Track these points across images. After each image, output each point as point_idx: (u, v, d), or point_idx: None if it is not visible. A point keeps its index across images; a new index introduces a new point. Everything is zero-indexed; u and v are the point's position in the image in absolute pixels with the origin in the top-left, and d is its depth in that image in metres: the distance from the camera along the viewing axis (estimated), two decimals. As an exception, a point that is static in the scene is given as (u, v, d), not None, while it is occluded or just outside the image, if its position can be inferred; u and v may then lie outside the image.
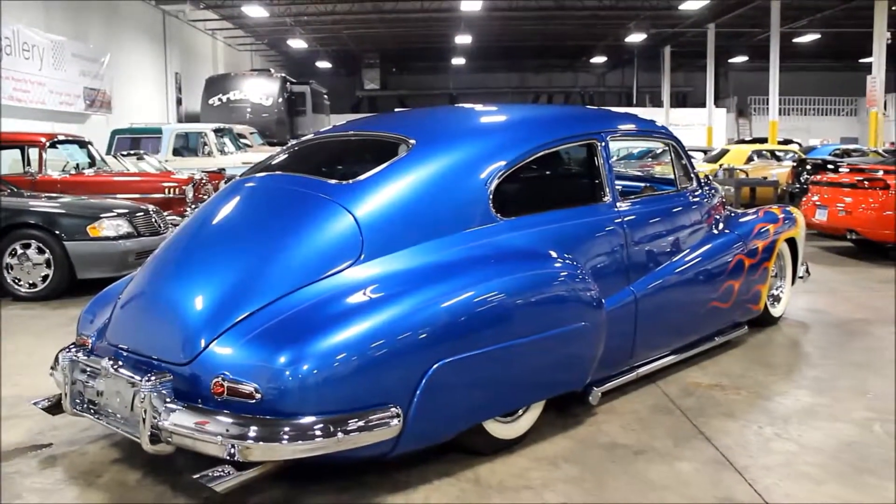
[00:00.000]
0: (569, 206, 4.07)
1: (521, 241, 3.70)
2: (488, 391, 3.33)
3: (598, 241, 4.07)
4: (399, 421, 2.98)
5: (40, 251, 7.17)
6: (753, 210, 5.91)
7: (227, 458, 2.79)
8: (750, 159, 16.90)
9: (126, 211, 7.68)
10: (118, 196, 9.34)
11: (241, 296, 3.19)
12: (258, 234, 3.49)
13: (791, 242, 6.00)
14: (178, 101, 26.02)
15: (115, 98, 20.76)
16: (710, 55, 30.06)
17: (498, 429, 3.47)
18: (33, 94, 16.69)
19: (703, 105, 33.53)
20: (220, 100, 23.72)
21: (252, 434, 2.78)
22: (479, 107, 4.63)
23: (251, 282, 3.25)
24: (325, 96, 28.57)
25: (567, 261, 3.71)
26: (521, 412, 3.58)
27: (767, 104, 27.88)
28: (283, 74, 25.27)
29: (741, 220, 5.51)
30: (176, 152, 15.69)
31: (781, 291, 6.04)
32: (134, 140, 16.26)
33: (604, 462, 3.45)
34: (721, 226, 5.21)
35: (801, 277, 6.28)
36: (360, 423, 2.89)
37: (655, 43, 32.84)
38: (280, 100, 23.96)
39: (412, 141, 3.76)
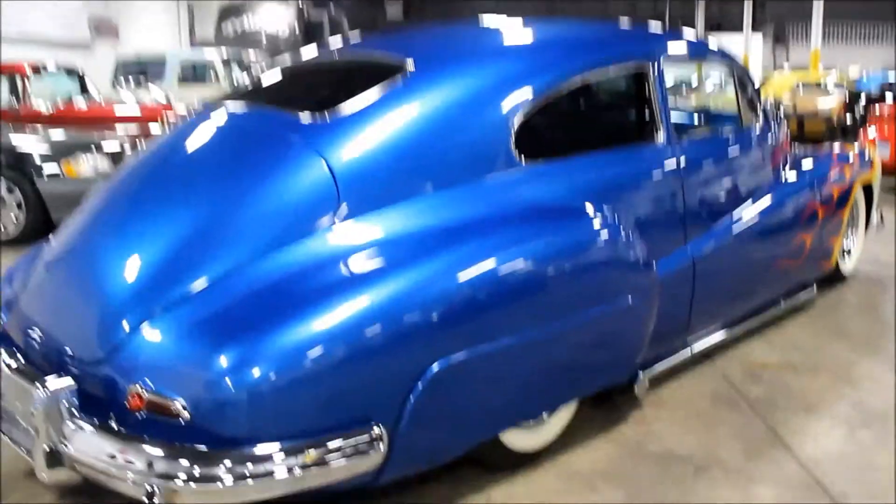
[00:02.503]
0: (613, 148, 3.20)
1: (550, 193, 2.87)
2: (506, 394, 2.53)
3: (649, 191, 3.22)
4: (383, 445, 2.20)
5: (10, 191, 6.42)
6: (824, 149, 5.00)
7: (146, 501, 2.03)
8: (795, 90, 15.72)
9: (107, 147, 6.87)
10: (114, 129, 8.55)
11: (179, 265, 2.38)
12: (210, 184, 2.66)
13: (865, 187, 5.12)
14: (191, 31, 25.00)
15: (124, 27, 19.82)
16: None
17: (517, 439, 2.69)
18: (33, 22, 15.80)
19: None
20: (233, 29, 22.69)
21: (179, 472, 2.01)
22: (501, 21, 3.72)
23: (194, 247, 2.43)
24: (346, 26, 27.37)
25: (610, 218, 2.87)
26: (546, 415, 2.80)
27: (805, 30, 26.31)
28: (300, 2, 24.11)
29: (812, 161, 4.61)
30: (182, 81, 14.80)
31: (853, 244, 5.18)
32: (139, 69, 15.39)
33: (656, 483, 2.66)
34: (790, 168, 4.32)
35: (874, 227, 5.40)
36: (330, 453, 2.11)
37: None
38: (296, 28, 22.89)
39: (411, 64, 2.90)
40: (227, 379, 2.07)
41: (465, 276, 2.40)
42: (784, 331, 4.14)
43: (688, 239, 3.38)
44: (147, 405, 2.11)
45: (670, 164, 3.29)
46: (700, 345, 3.58)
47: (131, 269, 2.41)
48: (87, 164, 6.55)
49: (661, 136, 3.32)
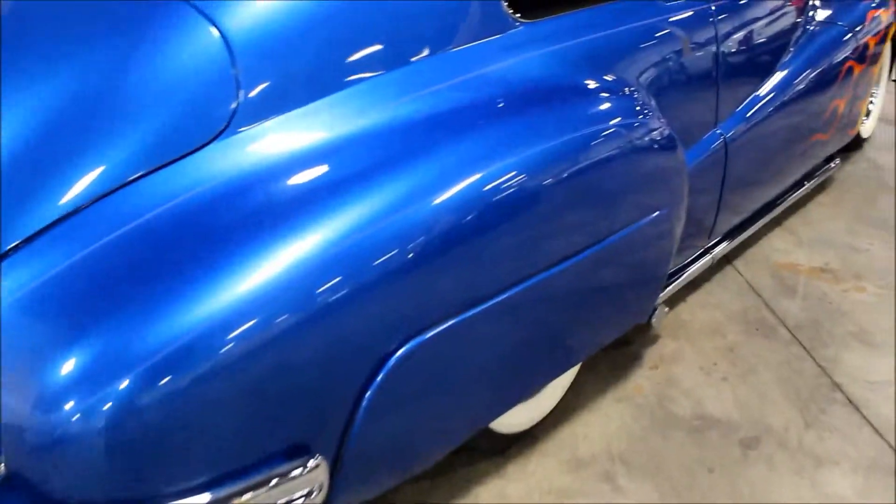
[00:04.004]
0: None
1: (555, 66, 2.02)
2: (500, 371, 1.77)
3: (681, 56, 2.37)
4: (323, 487, 1.45)
5: None
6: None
7: None
8: None
9: None
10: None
11: (16, 198, 1.51)
12: (57, 59, 1.73)
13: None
14: None
15: None
16: None
17: (506, 418, 1.97)
18: None
19: None
20: None
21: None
22: None
23: (33, 172, 1.55)
24: None
25: (641, 101, 2.05)
26: (548, 379, 2.07)
27: None
28: None
29: (844, 3, 3.75)
30: None
31: (872, 102, 4.43)
32: None
33: (695, 470, 1.98)
34: (822, 15, 3.48)
35: (894, 80, 4.65)
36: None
37: None
38: None
39: None
40: (69, 403, 1.25)
41: (444, 200, 1.56)
42: (807, 218, 3.44)
43: (719, 117, 2.59)
44: (-65, 447, 1.30)
45: (706, 17, 2.44)
46: (720, 249, 2.85)
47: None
48: None
49: (694, -22, 2.45)
